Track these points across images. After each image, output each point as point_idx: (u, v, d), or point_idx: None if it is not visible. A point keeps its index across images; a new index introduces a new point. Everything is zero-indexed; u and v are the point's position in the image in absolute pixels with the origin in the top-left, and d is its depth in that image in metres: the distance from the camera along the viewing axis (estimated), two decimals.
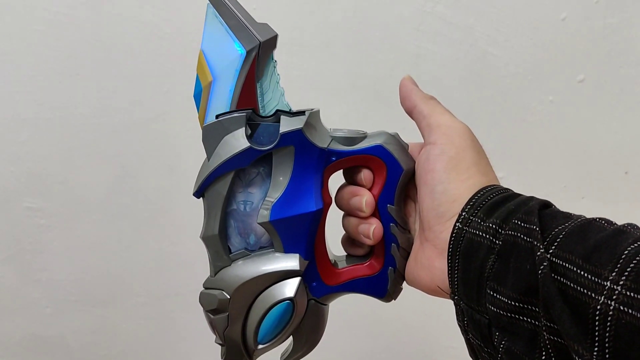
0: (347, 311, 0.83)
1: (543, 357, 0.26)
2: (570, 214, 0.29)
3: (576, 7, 0.70)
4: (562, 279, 0.25)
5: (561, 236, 0.27)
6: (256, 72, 0.34)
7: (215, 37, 0.34)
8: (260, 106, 0.35)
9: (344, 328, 0.85)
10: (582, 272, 0.24)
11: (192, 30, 0.76)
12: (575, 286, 0.24)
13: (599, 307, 0.23)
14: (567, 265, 0.25)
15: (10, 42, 0.77)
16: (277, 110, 0.35)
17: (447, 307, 0.94)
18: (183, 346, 0.92)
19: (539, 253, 0.27)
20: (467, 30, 0.72)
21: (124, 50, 0.77)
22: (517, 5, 0.71)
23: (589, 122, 0.73)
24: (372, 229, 0.37)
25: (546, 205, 0.31)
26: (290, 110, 0.36)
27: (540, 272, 0.26)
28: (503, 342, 0.29)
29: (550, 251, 0.26)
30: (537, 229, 0.28)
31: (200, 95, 0.34)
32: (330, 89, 0.77)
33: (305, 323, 0.38)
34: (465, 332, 0.33)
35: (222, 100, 0.34)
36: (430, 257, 0.35)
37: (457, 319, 0.34)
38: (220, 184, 0.35)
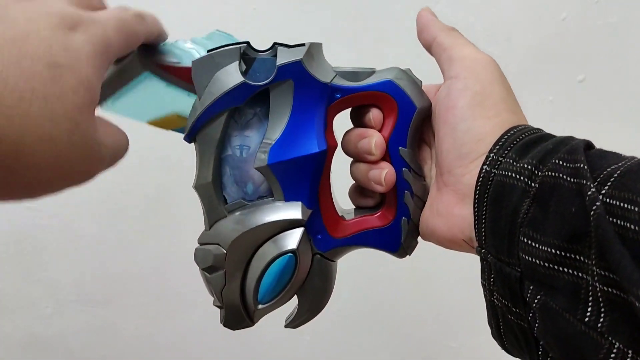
0: (346, 309, 0.83)
1: (588, 312, 0.23)
2: (621, 154, 0.26)
3: (576, 7, 0.70)
4: (619, 221, 0.22)
5: (615, 175, 0.23)
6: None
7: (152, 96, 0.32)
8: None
9: (344, 327, 0.85)
10: None
11: (191, 31, 0.75)
12: (637, 227, 0.21)
13: None
14: (625, 205, 0.22)
15: None
16: (275, 43, 0.32)
17: (446, 307, 0.94)
18: (183, 346, 0.92)
19: (589, 193, 0.23)
20: (467, 30, 0.72)
21: None
22: (517, 5, 0.71)
23: (589, 122, 0.73)
24: (383, 173, 0.33)
25: (589, 145, 0.28)
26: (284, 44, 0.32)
27: (593, 212, 0.23)
28: (538, 297, 0.25)
29: (603, 191, 0.23)
30: (585, 167, 0.24)
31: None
32: None
33: (310, 281, 0.35)
34: (489, 292, 0.29)
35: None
36: (449, 203, 0.32)
37: (482, 277, 0.30)
38: (213, 125, 0.32)
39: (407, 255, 0.36)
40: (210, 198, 0.33)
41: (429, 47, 0.35)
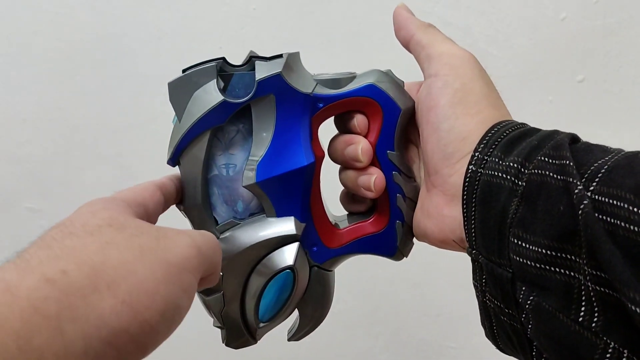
0: (346, 311, 0.83)
1: (582, 312, 0.23)
2: (608, 147, 0.25)
3: (576, 7, 0.70)
4: (609, 219, 0.21)
5: (603, 170, 0.23)
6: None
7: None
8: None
9: (343, 329, 0.85)
10: (634, 209, 0.20)
11: (191, 31, 0.76)
12: (627, 225, 0.20)
13: None
14: (614, 202, 0.21)
15: (10, 42, 0.77)
16: (251, 57, 0.31)
17: (446, 306, 0.94)
18: (183, 346, 0.92)
19: (576, 190, 0.23)
20: (466, 30, 0.72)
21: (124, 50, 0.77)
22: (517, 5, 0.71)
23: (589, 122, 0.73)
24: (372, 179, 0.33)
25: (574, 138, 0.27)
26: (265, 57, 0.32)
27: (580, 211, 0.22)
28: (531, 298, 0.25)
29: (591, 188, 0.22)
30: (571, 163, 0.24)
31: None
32: None
33: (309, 293, 0.34)
34: (482, 293, 0.29)
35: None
36: (438, 204, 0.31)
37: (473, 278, 0.30)
38: (196, 147, 0.31)
39: (404, 258, 0.36)
40: (201, 220, 0.32)
41: (407, 45, 0.34)
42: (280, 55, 0.31)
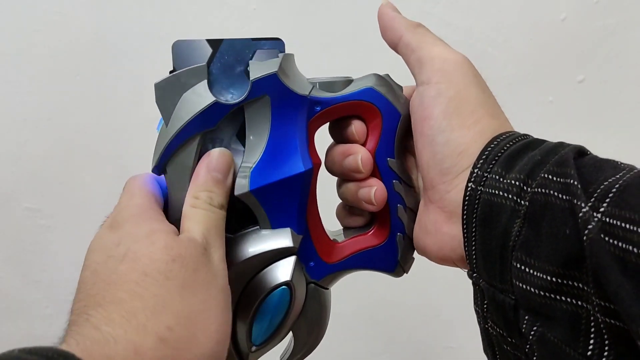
0: (345, 313, 0.83)
1: (591, 345, 0.21)
2: (619, 163, 0.23)
3: (576, 7, 0.70)
4: (620, 244, 0.19)
5: (614, 190, 0.21)
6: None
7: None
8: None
9: (343, 330, 0.85)
10: None
11: (192, 31, 0.75)
12: (639, 251, 0.19)
13: None
14: (627, 226, 0.19)
15: (10, 42, 0.77)
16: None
17: (446, 307, 0.94)
18: None
19: (580, 214, 0.21)
20: (466, 31, 0.72)
21: (124, 50, 0.77)
22: (517, 6, 0.71)
23: (588, 122, 0.73)
24: (373, 191, 0.31)
25: (581, 152, 0.25)
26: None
27: (585, 237, 0.20)
28: (535, 328, 0.23)
29: (602, 209, 0.20)
30: (576, 182, 0.22)
31: None
32: None
33: (305, 314, 0.32)
34: (483, 319, 0.27)
35: None
36: (436, 221, 0.29)
37: (475, 303, 0.28)
38: (184, 153, 0.28)
39: (405, 274, 0.34)
40: None
41: (395, 48, 0.32)
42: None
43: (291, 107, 0.29)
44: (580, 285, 0.21)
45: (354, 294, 0.82)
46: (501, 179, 0.25)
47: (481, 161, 0.26)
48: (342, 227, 0.36)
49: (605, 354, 0.20)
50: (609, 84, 0.72)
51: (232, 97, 0.29)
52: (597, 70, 0.72)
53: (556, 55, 0.72)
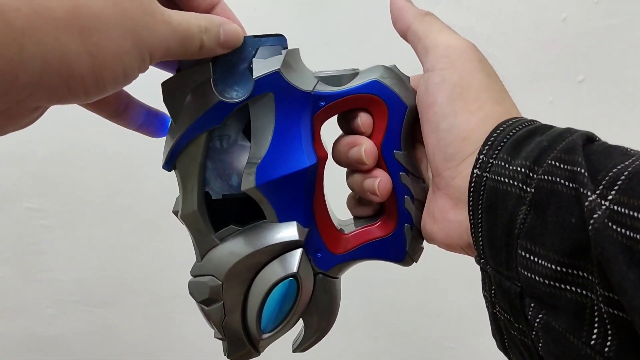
0: (346, 313, 0.83)
1: (594, 334, 0.21)
2: (629, 149, 0.23)
3: (576, 7, 0.70)
4: (628, 232, 0.19)
5: (623, 177, 0.20)
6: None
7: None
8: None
9: (344, 330, 0.85)
10: None
11: None
12: None
13: None
14: (636, 214, 0.19)
15: None
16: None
17: (446, 307, 0.93)
18: (183, 347, 0.92)
19: (586, 202, 0.21)
20: (467, 31, 0.72)
21: None
22: (518, 6, 0.71)
23: (589, 122, 0.73)
24: (376, 182, 0.31)
25: (590, 138, 0.24)
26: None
27: (590, 226, 0.20)
28: (540, 316, 0.23)
29: (610, 197, 0.20)
30: (583, 170, 0.21)
31: None
32: None
33: (315, 302, 0.33)
34: (491, 304, 0.27)
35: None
36: (443, 208, 0.29)
37: (483, 288, 0.28)
38: (192, 149, 0.30)
39: (414, 263, 0.35)
40: (198, 227, 0.31)
41: (404, 37, 0.32)
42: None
43: (295, 104, 0.30)
44: (585, 274, 0.21)
45: (354, 294, 0.82)
46: (507, 166, 0.25)
47: (486, 147, 0.26)
48: (351, 217, 0.36)
49: (608, 343, 0.20)
50: (609, 84, 0.72)
51: (236, 94, 0.30)
52: (598, 70, 0.72)
53: (556, 55, 0.72)
